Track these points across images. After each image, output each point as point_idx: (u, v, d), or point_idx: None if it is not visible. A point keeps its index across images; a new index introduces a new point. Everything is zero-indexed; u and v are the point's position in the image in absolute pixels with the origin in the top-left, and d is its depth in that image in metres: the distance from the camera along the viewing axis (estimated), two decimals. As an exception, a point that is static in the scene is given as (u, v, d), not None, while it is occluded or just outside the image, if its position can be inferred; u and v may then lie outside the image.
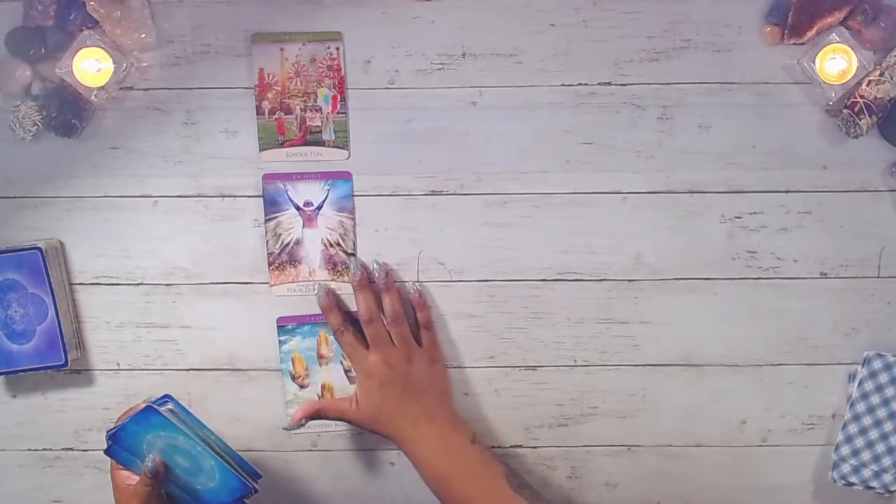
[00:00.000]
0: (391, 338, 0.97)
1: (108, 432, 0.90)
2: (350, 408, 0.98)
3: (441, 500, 0.96)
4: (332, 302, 0.99)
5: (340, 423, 1.01)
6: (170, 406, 0.91)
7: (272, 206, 0.99)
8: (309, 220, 1.00)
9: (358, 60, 0.98)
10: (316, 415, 0.98)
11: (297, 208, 1.00)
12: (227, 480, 0.90)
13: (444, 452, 0.96)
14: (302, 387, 1.02)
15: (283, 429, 0.99)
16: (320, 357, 1.01)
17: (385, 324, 0.98)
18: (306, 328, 1.01)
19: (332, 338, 1.00)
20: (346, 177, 0.99)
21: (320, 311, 0.99)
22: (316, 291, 0.99)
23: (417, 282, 0.99)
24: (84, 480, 1.03)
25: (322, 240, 1.00)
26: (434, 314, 1.00)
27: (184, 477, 0.91)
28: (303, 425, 0.98)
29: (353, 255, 0.99)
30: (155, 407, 0.89)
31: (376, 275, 0.98)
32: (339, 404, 0.98)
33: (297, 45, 0.98)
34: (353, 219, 1.00)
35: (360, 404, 0.97)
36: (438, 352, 1.00)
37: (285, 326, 1.01)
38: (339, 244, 1.00)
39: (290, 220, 1.00)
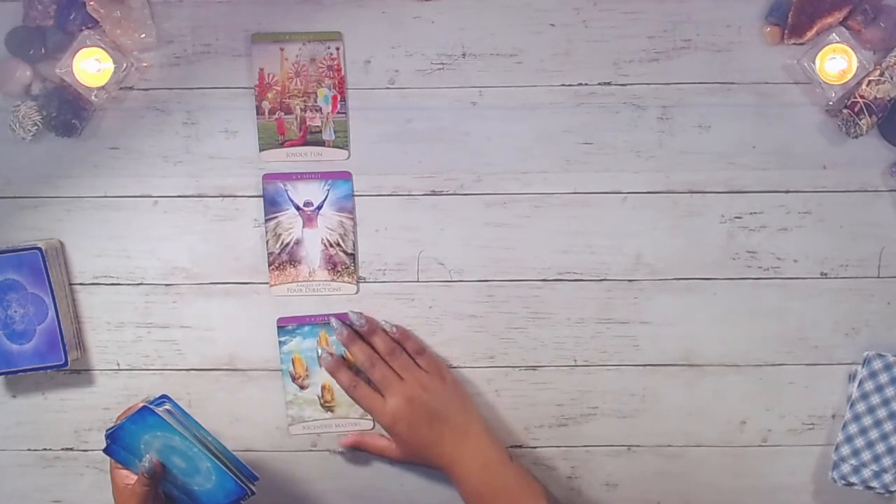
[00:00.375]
0: (398, 375, 0.98)
1: (106, 431, 0.90)
2: (389, 447, 0.98)
3: None
4: (339, 361, 0.99)
5: (349, 420, 1.01)
6: (167, 406, 0.91)
7: (272, 206, 0.99)
8: (309, 220, 1.00)
9: (358, 60, 0.98)
10: (357, 447, 1.00)
11: (297, 208, 0.99)
12: (223, 482, 0.90)
13: (484, 470, 0.95)
14: (302, 387, 1.02)
15: (332, 451, 1.02)
16: (321, 358, 1.01)
17: (386, 363, 0.98)
18: (306, 329, 1.01)
19: (332, 338, 1.00)
20: (346, 177, 0.99)
21: (328, 310, 1.00)
22: (320, 355, 1.00)
23: (387, 321, 0.99)
24: (84, 480, 1.03)
25: (322, 240, 1.00)
26: (433, 315, 1.00)
27: (181, 477, 0.91)
28: (345, 452, 1.01)
29: (332, 316, 0.99)
30: (151, 407, 0.89)
31: (357, 324, 0.98)
32: (379, 444, 0.99)
33: (297, 45, 0.98)
34: (354, 219, 1.00)
35: (397, 447, 0.98)
36: (444, 368, 1.00)
37: (285, 327, 1.01)
38: (339, 244, 1.00)
39: (290, 220, 1.00)
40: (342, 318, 0.99)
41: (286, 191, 0.99)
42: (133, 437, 0.89)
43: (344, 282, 1.00)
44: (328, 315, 1.00)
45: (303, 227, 1.00)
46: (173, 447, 0.89)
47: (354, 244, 1.00)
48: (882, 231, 0.99)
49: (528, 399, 1.02)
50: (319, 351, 1.00)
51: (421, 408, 0.96)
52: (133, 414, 0.89)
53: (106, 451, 0.90)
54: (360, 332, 0.99)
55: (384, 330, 0.99)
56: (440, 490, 1.02)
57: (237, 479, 0.91)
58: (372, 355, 0.98)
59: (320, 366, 1.01)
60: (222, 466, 0.90)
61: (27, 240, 0.99)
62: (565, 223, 0.99)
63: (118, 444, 0.89)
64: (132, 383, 1.02)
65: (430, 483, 1.02)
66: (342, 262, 1.00)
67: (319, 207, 0.99)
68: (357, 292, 1.00)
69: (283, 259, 1.00)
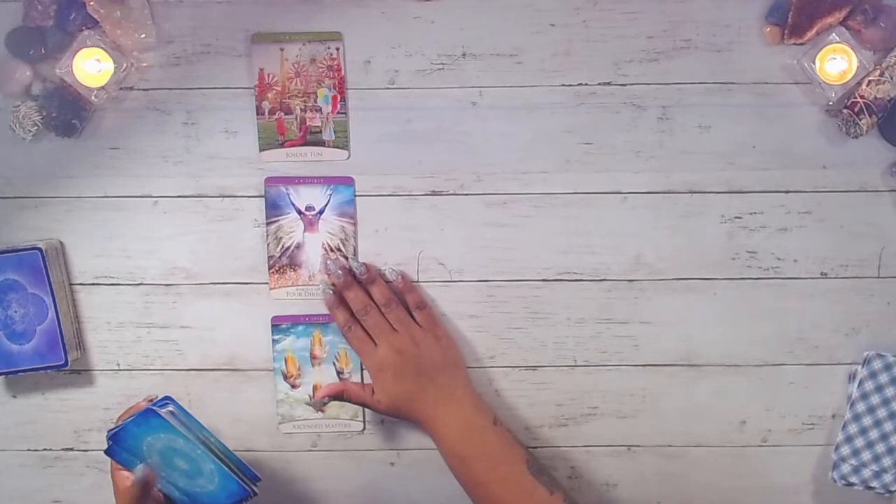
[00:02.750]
0: (391, 326, 0.98)
1: (108, 432, 0.90)
2: (371, 398, 0.98)
3: (461, 482, 0.96)
4: (339, 299, 0.99)
5: (339, 422, 1.01)
6: (170, 408, 0.91)
7: (274, 209, 0.99)
8: (310, 225, 1.00)
9: (358, 60, 0.98)
10: (339, 396, 0.99)
11: (299, 212, 0.99)
12: (226, 484, 0.90)
13: (465, 433, 0.95)
14: (294, 387, 1.02)
15: (307, 404, 1.01)
16: (313, 358, 1.01)
17: (382, 313, 0.98)
18: (300, 328, 1.01)
19: (326, 339, 1.00)
20: (348, 182, 0.99)
21: (323, 311, 0.99)
22: (322, 289, 0.99)
23: (392, 268, 0.99)
24: (84, 480, 1.03)
25: (323, 244, 1.00)
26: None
27: (183, 479, 0.91)
28: (325, 403, 1.00)
29: (332, 259, 0.99)
30: (155, 409, 0.89)
31: (357, 271, 0.98)
32: (360, 392, 0.98)
33: (297, 45, 0.98)
34: (355, 224, 1.00)
35: (378, 396, 0.97)
36: (440, 328, 0.99)
37: (279, 325, 1.01)
38: (339, 249, 1.00)
39: (291, 224, 1.00)
40: (341, 264, 0.99)
41: (288, 194, 0.99)
42: (136, 438, 0.89)
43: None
44: (325, 257, 0.99)
45: (304, 231, 1.00)
46: (176, 449, 0.89)
47: (355, 249, 1.00)
48: (882, 231, 0.99)
49: (528, 399, 1.02)
50: (322, 285, 0.99)
51: (409, 361, 0.96)
52: (137, 415, 0.89)
53: (107, 452, 0.90)
54: (359, 279, 0.98)
55: (386, 280, 0.98)
56: (440, 490, 1.02)
57: (240, 480, 0.91)
58: (368, 303, 0.97)
59: (311, 365, 1.01)
60: (225, 468, 0.90)
61: (27, 240, 0.99)
62: (565, 223, 0.99)
63: (120, 445, 0.89)
64: (132, 383, 1.02)
65: (430, 483, 1.02)
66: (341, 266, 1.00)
67: (321, 212, 0.99)
68: (357, 292, 1.01)
69: (284, 262, 1.00)
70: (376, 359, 0.97)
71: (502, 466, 0.94)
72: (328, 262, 0.98)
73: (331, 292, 0.98)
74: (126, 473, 0.90)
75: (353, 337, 0.98)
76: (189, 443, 0.89)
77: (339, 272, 0.98)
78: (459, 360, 1.00)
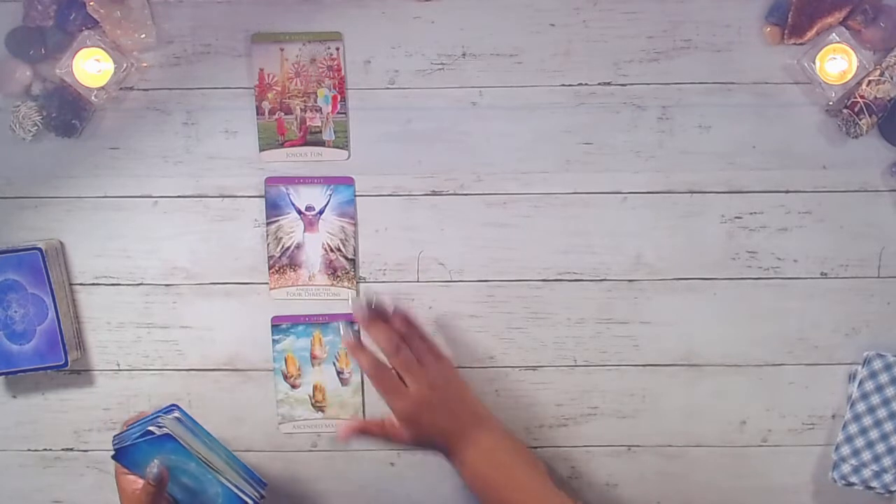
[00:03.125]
0: (417, 360, 0.95)
1: (114, 440, 0.90)
2: (398, 433, 0.94)
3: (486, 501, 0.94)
4: (360, 342, 0.96)
5: (339, 422, 1.01)
6: (176, 414, 0.91)
7: (274, 209, 0.99)
8: (310, 225, 1.00)
9: (358, 60, 0.98)
10: (362, 434, 0.95)
11: (299, 212, 0.99)
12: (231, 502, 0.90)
13: (493, 455, 0.93)
14: (294, 387, 1.02)
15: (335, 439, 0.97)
16: (313, 358, 1.01)
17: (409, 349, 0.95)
18: (300, 328, 1.01)
19: (326, 339, 1.00)
20: (348, 182, 0.99)
21: (323, 311, 1.00)
22: (342, 331, 0.97)
23: (393, 304, 0.96)
24: (84, 481, 1.03)
25: (323, 244, 1.00)
26: (433, 315, 1.00)
27: (187, 497, 0.90)
28: (349, 443, 0.97)
29: (355, 295, 0.98)
30: (174, 435, 0.88)
31: (372, 306, 0.95)
32: (387, 430, 0.95)
33: (297, 45, 0.98)
34: (355, 224, 1.00)
35: (408, 432, 0.94)
36: (444, 354, 0.97)
37: (279, 326, 1.01)
38: (339, 249, 1.00)
39: (291, 224, 1.00)
40: (350, 317, 0.97)
41: (288, 194, 0.99)
42: (146, 455, 0.88)
43: (343, 286, 1.00)
44: (355, 300, 0.97)
45: (304, 231, 1.00)
46: (185, 470, 0.89)
47: (355, 249, 1.00)
48: (882, 231, 0.99)
49: (528, 399, 1.02)
50: (342, 328, 0.97)
51: (440, 394, 0.94)
52: (153, 438, 0.87)
53: (115, 457, 0.89)
54: (364, 322, 0.95)
55: (402, 315, 0.96)
56: (440, 490, 1.02)
57: (246, 498, 0.90)
58: (398, 340, 0.94)
59: (312, 365, 1.01)
60: (231, 488, 0.89)
61: (27, 240, 0.99)
62: (565, 223, 0.99)
63: (127, 459, 0.88)
64: (132, 383, 1.02)
65: (430, 483, 1.02)
66: (342, 266, 1.00)
67: (321, 212, 0.99)
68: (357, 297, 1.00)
69: (284, 262, 1.00)
70: (410, 399, 0.93)
71: (530, 482, 0.93)
72: (352, 302, 0.96)
73: (350, 336, 0.96)
74: (132, 477, 0.89)
75: (384, 378, 0.93)
76: (200, 466, 0.89)
77: (362, 313, 0.94)
78: (464, 381, 0.98)
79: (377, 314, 0.95)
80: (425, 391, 0.93)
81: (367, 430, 0.95)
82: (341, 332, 0.98)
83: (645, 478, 1.02)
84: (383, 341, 0.94)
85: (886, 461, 0.98)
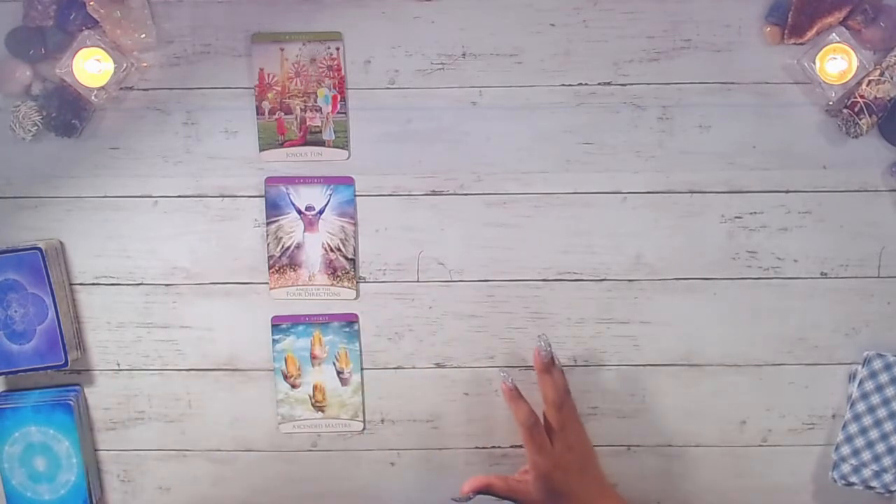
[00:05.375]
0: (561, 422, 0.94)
1: None
2: (526, 491, 0.93)
3: None
4: (518, 392, 0.94)
5: (339, 422, 1.01)
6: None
7: (274, 209, 0.99)
8: (310, 225, 1.00)
9: (358, 60, 0.98)
10: (485, 490, 0.93)
11: (299, 212, 0.99)
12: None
13: None
14: (294, 387, 1.02)
15: (452, 499, 0.94)
16: (313, 358, 1.01)
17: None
18: (300, 328, 1.01)
19: (326, 339, 1.00)
20: (348, 182, 0.99)
21: (323, 311, 0.99)
22: (503, 377, 0.94)
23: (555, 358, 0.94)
24: (84, 480, 1.03)
25: (323, 244, 1.00)
26: (433, 315, 1.00)
27: None
28: (471, 499, 0.94)
29: (542, 334, 0.94)
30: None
31: (543, 352, 0.93)
32: (512, 486, 0.93)
33: (297, 45, 0.98)
34: (355, 224, 1.00)
35: (540, 491, 0.92)
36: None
37: (279, 325, 1.01)
38: (339, 249, 1.00)
39: (291, 224, 1.00)
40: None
41: (288, 194, 0.99)
42: None
43: (344, 287, 1.00)
44: (541, 337, 0.94)
45: (304, 231, 1.00)
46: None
47: (355, 249, 1.00)
48: (882, 231, 0.99)
49: (528, 399, 1.01)
50: (504, 375, 0.94)
51: (578, 458, 0.93)
52: None
53: None
54: (542, 364, 0.93)
55: (560, 371, 0.94)
56: (440, 490, 1.02)
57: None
58: (563, 394, 0.93)
59: (312, 364, 1.01)
60: None
61: (27, 240, 0.99)
62: (565, 223, 0.99)
63: None
64: (132, 383, 1.02)
65: (430, 483, 1.02)
66: (342, 266, 1.00)
67: (321, 212, 0.99)
68: (357, 297, 1.00)
69: (284, 262, 1.00)
70: (553, 458, 0.92)
71: None
72: (541, 338, 0.93)
73: (510, 385, 0.94)
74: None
75: (536, 434, 0.92)
76: None
77: (548, 351, 0.93)
78: (594, 450, 0.96)
79: (550, 361, 0.93)
80: (566, 452, 0.92)
81: (492, 486, 0.94)
82: (501, 376, 0.95)
83: (645, 477, 1.02)
84: (553, 392, 0.93)
85: (886, 461, 0.98)
